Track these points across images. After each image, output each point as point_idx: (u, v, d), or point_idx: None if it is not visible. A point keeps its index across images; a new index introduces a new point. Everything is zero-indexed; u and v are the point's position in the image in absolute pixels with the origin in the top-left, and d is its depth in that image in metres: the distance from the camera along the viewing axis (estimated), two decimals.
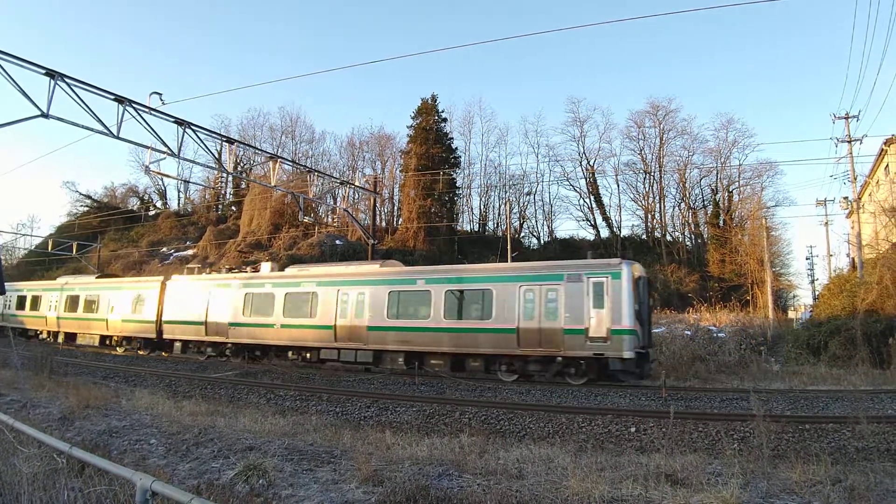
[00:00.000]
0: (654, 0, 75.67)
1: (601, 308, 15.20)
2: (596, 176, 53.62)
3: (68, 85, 15.45)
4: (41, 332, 31.33)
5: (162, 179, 65.10)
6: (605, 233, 52.32)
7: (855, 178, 29.36)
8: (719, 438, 9.12)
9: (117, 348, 26.88)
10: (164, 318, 24.18)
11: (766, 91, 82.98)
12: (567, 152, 55.59)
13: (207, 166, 40.54)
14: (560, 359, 15.71)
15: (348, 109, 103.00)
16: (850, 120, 28.61)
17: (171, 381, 16.73)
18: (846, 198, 31.49)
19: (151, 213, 65.77)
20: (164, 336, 24.13)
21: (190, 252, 53.86)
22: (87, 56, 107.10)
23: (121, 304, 26.39)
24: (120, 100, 16.55)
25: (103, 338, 27.43)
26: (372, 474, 6.19)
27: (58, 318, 29.54)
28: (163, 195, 69.78)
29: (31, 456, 4.55)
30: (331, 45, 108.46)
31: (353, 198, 52.58)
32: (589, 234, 52.82)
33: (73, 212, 66.23)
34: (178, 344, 23.87)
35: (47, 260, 51.88)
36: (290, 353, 20.81)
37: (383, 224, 54.01)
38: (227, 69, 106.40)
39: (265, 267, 24.04)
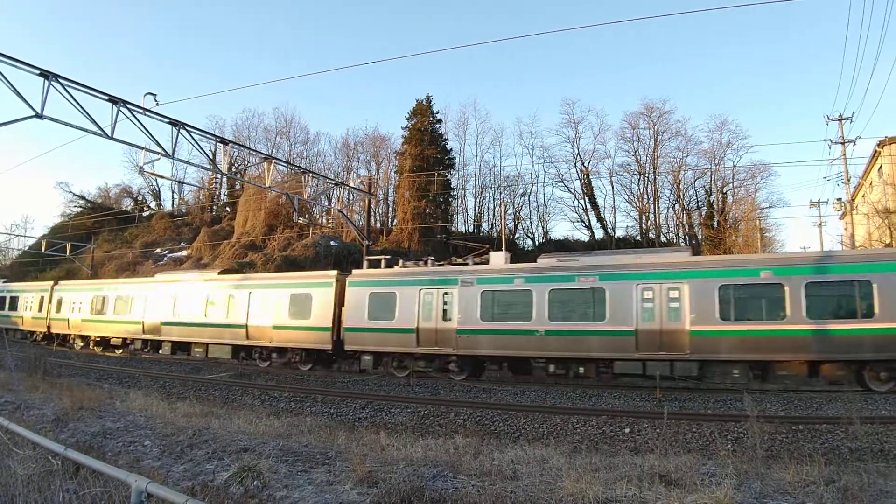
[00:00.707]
0: (650, 0, 76.10)
1: None
2: (590, 177, 53.80)
3: (62, 85, 15.40)
4: (131, 342, 26.69)
5: (156, 180, 64.68)
6: (599, 234, 52.44)
7: (848, 180, 29.63)
8: (713, 439, 9.16)
9: (259, 362, 22.20)
10: (346, 325, 19.78)
11: (761, 90, 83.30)
12: (562, 154, 55.67)
13: (202, 167, 40.66)
14: None
15: (343, 110, 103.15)
16: (843, 122, 28.86)
17: (164, 383, 16.70)
18: (840, 199, 31.66)
19: (145, 213, 65.44)
20: (347, 347, 19.73)
21: (184, 253, 53.69)
22: (83, 57, 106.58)
23: (268, 308, 21.66)
24: (114, 100, 16.52)
25: (237, 348, 22.54)
26: (367, 475, 6.19)
27: (162, 323, 24.58)
28: (157, 196, 69.48)
29: (25, 458, 4.55)
30: (326, 46, 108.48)
31: (348, 199, 52.68)
32: (583, 236, 52.94)
33: (66, 212, 65.79)
34: (367, 358, 19.48)
35: (41, 261, 51.61)
36: (550, 367, 16.82)
37: (378, 225, 53.97)
38: (222, 70, 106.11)
39: (498, 257, 19.84)
